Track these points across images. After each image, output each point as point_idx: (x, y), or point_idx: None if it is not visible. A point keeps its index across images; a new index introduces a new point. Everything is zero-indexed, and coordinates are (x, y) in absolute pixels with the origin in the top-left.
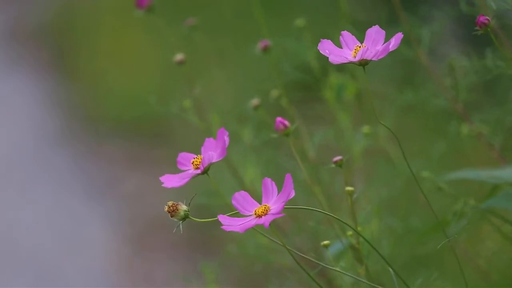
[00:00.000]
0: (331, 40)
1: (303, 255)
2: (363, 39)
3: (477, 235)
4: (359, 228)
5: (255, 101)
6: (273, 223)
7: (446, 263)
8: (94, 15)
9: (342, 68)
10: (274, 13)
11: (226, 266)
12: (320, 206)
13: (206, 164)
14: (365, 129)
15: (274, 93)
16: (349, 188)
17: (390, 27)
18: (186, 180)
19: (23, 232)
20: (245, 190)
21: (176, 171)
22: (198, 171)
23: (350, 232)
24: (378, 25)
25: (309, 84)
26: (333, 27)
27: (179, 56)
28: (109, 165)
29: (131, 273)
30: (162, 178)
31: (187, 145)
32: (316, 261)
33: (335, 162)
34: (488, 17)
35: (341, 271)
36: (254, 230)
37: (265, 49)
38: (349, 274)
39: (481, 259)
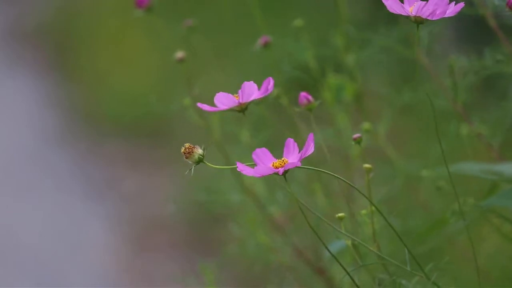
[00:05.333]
0: (330, 40)
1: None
2: (361, 39)
3: (476, 234)
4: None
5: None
6: (273, 222)
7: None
8: (94, 15)
9: (340, 68)
10: (273, 13)
11: (225, 266)
12: (320, 204)
13: (245, 99)
14: (366, 125)
15: (273, 91)
16: (366, 165)
17: (389, 27)
18: (226, 107)
19: (23, 232)
20: (244, 190)
21: (176, 168)
22: (237, 103)
23: (364, 211)
24: (377, 25)
25: (307, 84)
26: (331, 27)
27: (179, 54)
28: (109, 165)
29: (131, 273)
30: (199, 104)
31: None
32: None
33: (355, 139)
34: None
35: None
36: (253, 230)
37: (266, 45)
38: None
39: (481, 259)
